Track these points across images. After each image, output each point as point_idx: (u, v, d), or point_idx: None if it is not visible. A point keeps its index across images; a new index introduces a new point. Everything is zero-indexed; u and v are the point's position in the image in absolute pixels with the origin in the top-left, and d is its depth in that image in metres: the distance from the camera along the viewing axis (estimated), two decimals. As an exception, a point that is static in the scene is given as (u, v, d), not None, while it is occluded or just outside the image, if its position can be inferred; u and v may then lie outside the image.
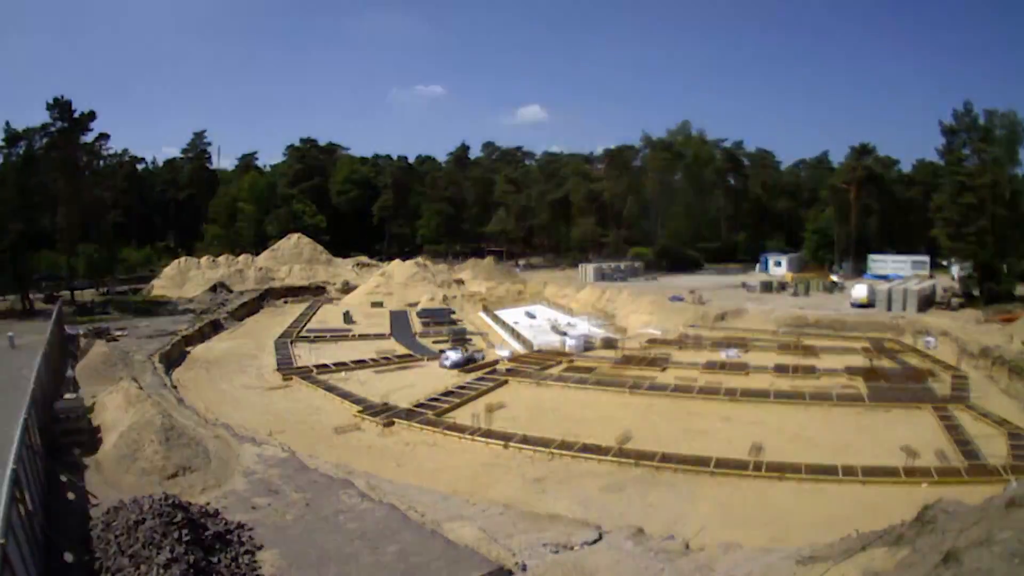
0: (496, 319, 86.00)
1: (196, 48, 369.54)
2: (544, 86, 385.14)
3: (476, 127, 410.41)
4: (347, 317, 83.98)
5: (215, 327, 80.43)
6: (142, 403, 37.73)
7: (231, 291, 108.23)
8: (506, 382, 54.95)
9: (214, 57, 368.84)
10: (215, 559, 22.07)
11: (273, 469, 32.02)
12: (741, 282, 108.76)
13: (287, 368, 60.16)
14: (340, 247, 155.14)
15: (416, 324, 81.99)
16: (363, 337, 74.51)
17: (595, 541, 24.87)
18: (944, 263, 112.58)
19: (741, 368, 57.36)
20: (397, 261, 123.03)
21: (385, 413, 45.80)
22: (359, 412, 46.66)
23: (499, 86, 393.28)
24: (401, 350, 67.89)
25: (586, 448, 38.58)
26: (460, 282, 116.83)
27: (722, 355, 61.52)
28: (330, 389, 53.16)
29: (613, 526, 26.67)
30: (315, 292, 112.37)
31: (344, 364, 61.13)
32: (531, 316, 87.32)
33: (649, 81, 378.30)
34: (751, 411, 46.13)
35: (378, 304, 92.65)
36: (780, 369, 56.87)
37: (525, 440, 40.04)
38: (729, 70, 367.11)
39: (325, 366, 60.30)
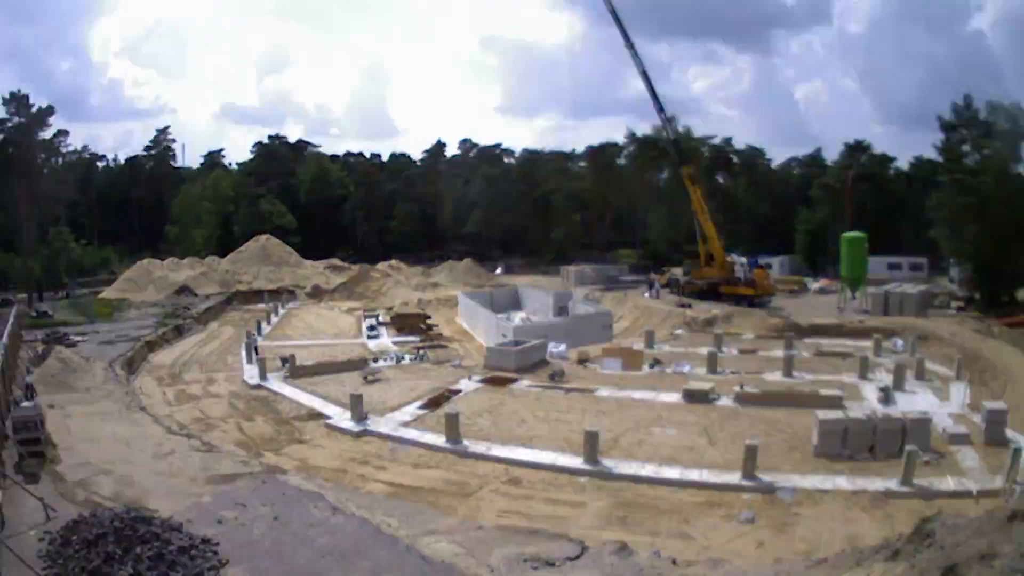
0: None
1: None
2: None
3: (453, 122, 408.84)
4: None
5: (179, 332, 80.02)
6: (103, 412, 37.53)
7: (196, 294, 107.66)
8: (477, 389, 54.87)
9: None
10: (179, 575, 21.94)
11: (240, 481, 31.87)
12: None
13: (254, 375, 60.00)
14: (310, 249, 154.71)
15: (390, 329, 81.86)
16: (334, 342, 74.48)
17: (578, 556, 24.80)
18: (943, 265, 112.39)
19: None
20: (371, 265, 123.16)
21: (355, 422, 45.80)
22: (328, 422, 46.65)
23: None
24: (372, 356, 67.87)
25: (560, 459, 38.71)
26: (435, 285, 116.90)
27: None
28: (297, 397, 53.10)
29: (596, 541, 26.63)
30: (284, 295, 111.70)
31: (313, 370, 60.99)
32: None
33: (635, 75, 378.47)
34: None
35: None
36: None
37: (499, 451, 40.02)
38: (720, 63, 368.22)
39: (293, 372, 60.15)
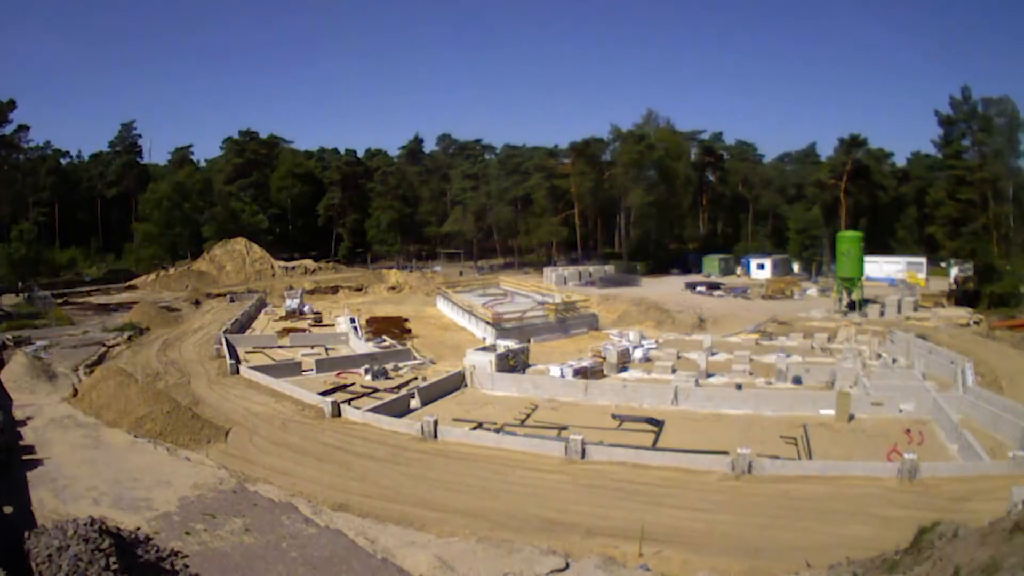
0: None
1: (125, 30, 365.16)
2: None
3: (432, 118, 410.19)
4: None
5: (142, 334, 79.68)
6: (66, 418, 37.34)
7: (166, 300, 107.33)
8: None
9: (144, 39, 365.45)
10: (146, 590, 21.79)
11: (209, 491, 31.71)
12: (723, 284, 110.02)
13: (223, 376, 60.22)
14: (284, 248, 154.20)
15: (366, 332, 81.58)
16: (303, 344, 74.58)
17: (562, 570, 24.74)
18: (942, 264, 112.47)
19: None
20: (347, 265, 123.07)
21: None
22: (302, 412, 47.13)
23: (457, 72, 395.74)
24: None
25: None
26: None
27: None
28: (267, 397, 53.71)
29: (581, 553, 26.57)
30: (255, 297, 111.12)
31: (290, 367, 61.25)
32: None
33: (622, 70, 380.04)
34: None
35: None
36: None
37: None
38: (710, 57, 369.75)
39: (266, 368, 60.34)
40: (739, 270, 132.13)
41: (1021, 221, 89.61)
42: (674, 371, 60.37)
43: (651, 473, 37.08)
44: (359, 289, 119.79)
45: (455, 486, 36.02)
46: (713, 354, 65.79)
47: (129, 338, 76.15)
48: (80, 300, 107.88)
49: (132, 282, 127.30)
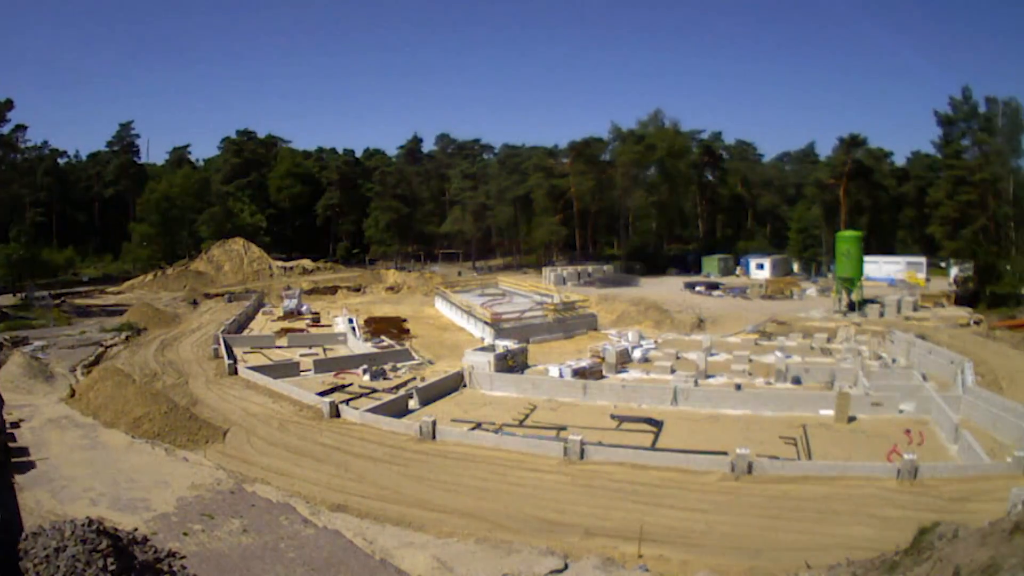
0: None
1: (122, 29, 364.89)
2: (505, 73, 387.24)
3: (431, 118, 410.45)
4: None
5: (141, 335, 79.66)
6: (63, 418, 37.26)
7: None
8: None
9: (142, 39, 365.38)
10: (143, 591, 21.74)
11: (207, 491, 31.67)
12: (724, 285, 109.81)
13: (221, 377, 60.23)
14: (282, 248, 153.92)
15: (364, 332, 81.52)
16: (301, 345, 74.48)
17: (561, 570, 24.70)
18: (942, 264, 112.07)
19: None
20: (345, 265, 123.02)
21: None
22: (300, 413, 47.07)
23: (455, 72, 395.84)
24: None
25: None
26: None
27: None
28: (265, 397, 53.68)
29: (580, 554, 26.53)
30: (252, 297, 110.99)
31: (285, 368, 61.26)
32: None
33: (619, 68, 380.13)
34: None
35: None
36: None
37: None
38: (707, 55, 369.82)
39: (264, 369, 60.27)
40: (738, 270, 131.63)
41: (1021, 221, 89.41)
42: (673, 371, 60.32)
43: (650, 473, 37.02)
44: (357, 289, 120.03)
45: (454, 487, 35.96)
46: (712, 354, 65.67)
47: (127, 338, 76.23)
48: (79, 301, 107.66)
49: (127, 283, 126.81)
